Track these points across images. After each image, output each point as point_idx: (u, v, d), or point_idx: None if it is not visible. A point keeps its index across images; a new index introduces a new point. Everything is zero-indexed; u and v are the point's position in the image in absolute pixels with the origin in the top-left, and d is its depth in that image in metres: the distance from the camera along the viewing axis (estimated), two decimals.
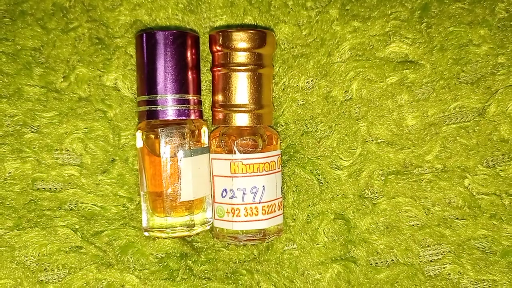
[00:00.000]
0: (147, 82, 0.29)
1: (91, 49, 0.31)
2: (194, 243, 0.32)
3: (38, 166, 0.31)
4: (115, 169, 0.32)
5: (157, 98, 0.29)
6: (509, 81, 0.31)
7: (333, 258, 0.32)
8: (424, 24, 0.31)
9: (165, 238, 0.31)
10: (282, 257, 0.32)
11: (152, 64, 0.29)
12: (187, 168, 0.29)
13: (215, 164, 0.30)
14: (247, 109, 0.29)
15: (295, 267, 0.32)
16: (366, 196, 0.32)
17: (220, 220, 0.30)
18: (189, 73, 0.29)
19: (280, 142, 0.32)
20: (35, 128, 0.31)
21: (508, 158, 0.31)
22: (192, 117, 0.29)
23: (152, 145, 0.29)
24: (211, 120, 0.31)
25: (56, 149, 0.31)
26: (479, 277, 0.31)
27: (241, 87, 0.29)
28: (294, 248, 0.32)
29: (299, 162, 0.32)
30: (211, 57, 0.31)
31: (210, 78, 0.32)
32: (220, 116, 0.30)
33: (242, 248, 0.32)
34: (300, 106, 0.32)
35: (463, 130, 0.31)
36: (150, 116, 0.29)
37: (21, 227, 0.30)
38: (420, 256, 0.32)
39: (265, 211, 0.30)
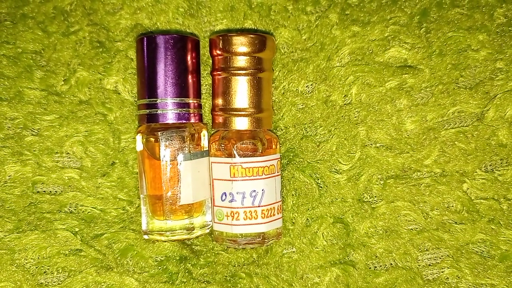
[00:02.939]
0: (148, 86, 0.29)
1: (91, 52, 0.31)
2: (193, 247, 0.32)
3: (38, 169, 0.31)
4: (115, 172, 0.32)
5: (157, 101, 0.29)
6: (507, 86, 0.31)
7: (332, 262, 0.32)
8: (423, 29, 0.32)
9: (165, 241, 0.31)
10: (281, 260, 0.32)
11: (153, 68, 0.29)
12: (187, 172, 0.29)
13: (215, 167, 0.30)
14: (246, 113, 0.29)
15: (294, 270, 0.32)
16: (365, 200, 0.32)
17: (220, 223, 0.30)
18: (189, 77, 0.29)
19: (280, 146, 0.32)
20: (36, 131, 0.31)
21: (506, 162, 0.31)
22: (192, 120, 0.29)
23: (152, 149, 0.29)
24: (211, 124, 0.31)
25: (56, 152, 0.31)
26: (477, 281, 0.31)
27: (241, 91, 0.29)
28: (293, 252, 0.32)
29: (298, 166, 0.32)
30: (211, 61, 0.31)
31: (210, 82, 0.32)
32: (220, 119, 0.30)
33: (241, 252, 0.32)
34: (300, 110, 0.32)
35: (461, 135, 0.32)
36: (150, 120, 0.29)
37: (21, 230, 0.30)
38: (419, 260, 0.32)
39: (264, 214, 0.30)
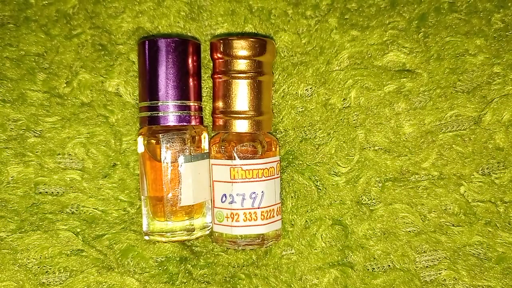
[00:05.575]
0: (149, 88, 0.29)
1: (94, 55, 0.32)
2: (193, 247, 0.32)
3: (40, 170, 0.31)
4: (116, 173, 0.32)
5: (159, 104, 0.29)
6: (504, 91, 0.31)
7: (330, 263, 0.32)
8: (422, 33, 0.32)
9: (165, 242, 0.31)
10: (280, 262, 0.32)
11: (154, 71, 0.29)
12: (188, 173, 0.29)
13: (215, 169, 0.30)
14: (247, 115, 0.29)
15: (293, 272, 0.32)
16: (363, 202, 0.32)
17: (220, 224, 0.30)
18: (190, 79, 0.30)
19: (279, 149, 0.32)
20: (38, 132, 0.31)
21: (503, 166, 0.32)
22: (193, 123, 0.30)
23: (153, 151, 0.29)
24: (211, 126, 0.31)
25: (59, 154, 0.31)
26: (474, 283, 0.31)
27: (241, 94, 0.29)
28: (292, 253, 0.32)
29: (297, 168, 0.32)
30: (212, 64, 0.31)
31: (211, 85, 0.32)
32: (220, 122, 0.30)
33: (241, 253, 0.32)
34: (299, 113, 0.32)
35: (459, 138, 0.32)
36: (151, 122, 0.29)
37: (23, 230, 0.31)
38: (416, 262, 0.32)
39: (264, 216, 0.30)
